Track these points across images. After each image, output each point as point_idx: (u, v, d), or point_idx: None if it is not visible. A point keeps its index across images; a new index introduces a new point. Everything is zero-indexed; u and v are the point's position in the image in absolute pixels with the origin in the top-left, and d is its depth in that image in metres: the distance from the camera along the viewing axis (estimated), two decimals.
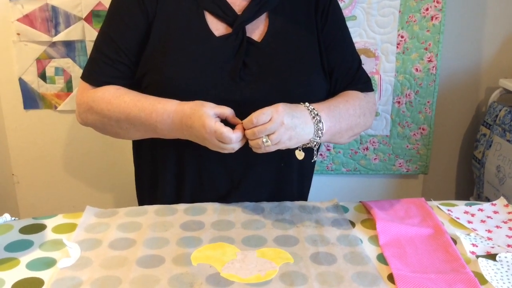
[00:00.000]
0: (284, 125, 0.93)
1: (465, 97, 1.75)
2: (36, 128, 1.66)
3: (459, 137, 1.80)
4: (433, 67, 1.61)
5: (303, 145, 1.00)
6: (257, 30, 1.09)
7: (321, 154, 1.71)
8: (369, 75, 1.60)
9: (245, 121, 0.93)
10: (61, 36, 1.55)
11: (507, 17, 1.66)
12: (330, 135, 1.04)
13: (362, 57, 1.60)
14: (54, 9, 1.52)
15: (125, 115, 1.02)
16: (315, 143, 1.00)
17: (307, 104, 1.00)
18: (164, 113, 0.99)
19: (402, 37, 1.59)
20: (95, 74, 1.08)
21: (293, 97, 1.03)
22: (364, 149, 1.71)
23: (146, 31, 1.06)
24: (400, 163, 1.73)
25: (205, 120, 0.93)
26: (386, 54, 1.61)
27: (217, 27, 1.07)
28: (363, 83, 1.17)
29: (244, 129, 0.94)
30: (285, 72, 1.06)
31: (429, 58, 1.60)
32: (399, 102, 1.65)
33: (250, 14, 1.06)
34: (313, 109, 0.99)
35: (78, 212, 1.01)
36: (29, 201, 1.74)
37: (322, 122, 0.99)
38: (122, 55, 1.06)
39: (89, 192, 1.75)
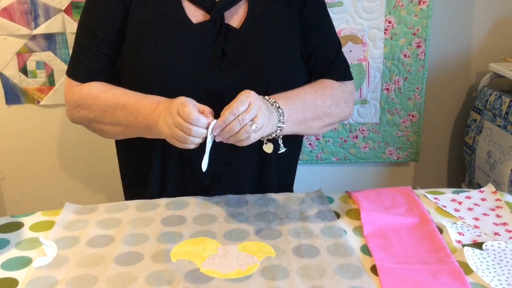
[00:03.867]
0: (261, 108, 0.90)
1: (455, 82, 1.73)
2: (19, 123, 1.63)
3: (449, 123, 1.78)
4: (422, 52, 1.58)
5: (268, 136, 0.96)
6: (235, 16, 1.06)
7: (310, 144, 1.69)
8: (357, 62, 1.59)
9: (225, 114, 0.87)
10: (41, 29, 1.51)
11: (496, 0, 1.63)
12: (292, 123, 1.00)
13: (349, 43, 1.58)
14: (33, 2, 1.49)
15: (113, 107, 1.00)
16: (279, 130, 0.96)
17: (260, 96, 0.96)
18: (154, 99, 0.97)
19: (389, 22, 1.56)
20: (78, 69, 1.07)
21: (272, 86, 1.00)
22: (353, 138, 1.69)
23: (123, 19, 1.04)
24: (390, 151, 1.71)
25: (179, 98, 0.90)
26: (374, 40, 1.58)
27: (195, 14, 1.04)
28: (341, 72, 1.14)
29: (220, 129, 0.89)
30: (264, 60, 1.04)
31: (417, 43, 1.58)
32: (388, 89, 1.63)
33: (228, 0, 1.04)
34: (269, 98, 0.97)
35: (61, 209, 0.99)
36: (16, 198, 1.72)
37: (282, 109, 0.96)
38: (102, 45, 1.04)
39: (76, 188, 1.73)
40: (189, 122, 0.86)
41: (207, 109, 0.90)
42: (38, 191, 1.72)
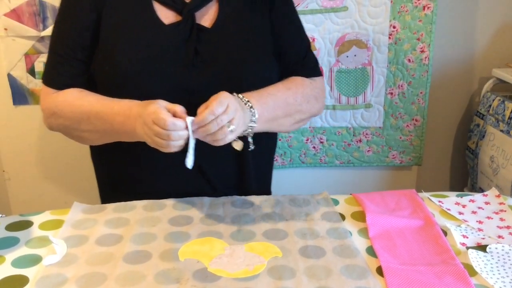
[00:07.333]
0: (238, 110, 0.92)
1: (458, 87, 1.74)
2: (26, 124, 1.64)
3: (452, 128, 1.79)
4: (426, 57, 1.60)
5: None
6: (207, 15, 1.08)
7: (314, 147, 1.70)
8: (361, 66, 1.61)
9: (204, 114, 0.87)
10: (49, 31, 1.53)
11: (500, 6, 1.65)
12: (264, 122, 1.02)
13: (354, 48, 1.59)
14: (42, 3, 1.51)
15: (87, 114, 1.01)
16: (250, 129, 0.99)
17: (234, 93, 0.98)
18: (126, 105, 0.98)
19: (394, 27, 1.58)
20: (53, 76, 1.08)
21: (246, 82, 1.03)
22: (357, 141, 1.70)
23: (96, 24, 1.05)
24: (393, 155, 1.72)
25: (151, 104, 0.91)
26: (378, 45, 1.59)
27: (167, 15, 1.06)
28: (311, 69, 1.18)
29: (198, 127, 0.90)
30: (237, 58, 1.06)
31: (421, 48, 1.59)
32: (391, 93, 1.64)
33: (199, 0, 1.06)
34: (242, 97, 0.99)
35: (68, 208, 1.00)
36: (21, 197, 1.73)
37: (254, 109, 0.98)
38: (76, 50, 1.05)
39: (81, 188, 1.74)
40: (166, 129, 0.87)
41: (178, 108, 0.90)
42: (43, 191, 1.73)
